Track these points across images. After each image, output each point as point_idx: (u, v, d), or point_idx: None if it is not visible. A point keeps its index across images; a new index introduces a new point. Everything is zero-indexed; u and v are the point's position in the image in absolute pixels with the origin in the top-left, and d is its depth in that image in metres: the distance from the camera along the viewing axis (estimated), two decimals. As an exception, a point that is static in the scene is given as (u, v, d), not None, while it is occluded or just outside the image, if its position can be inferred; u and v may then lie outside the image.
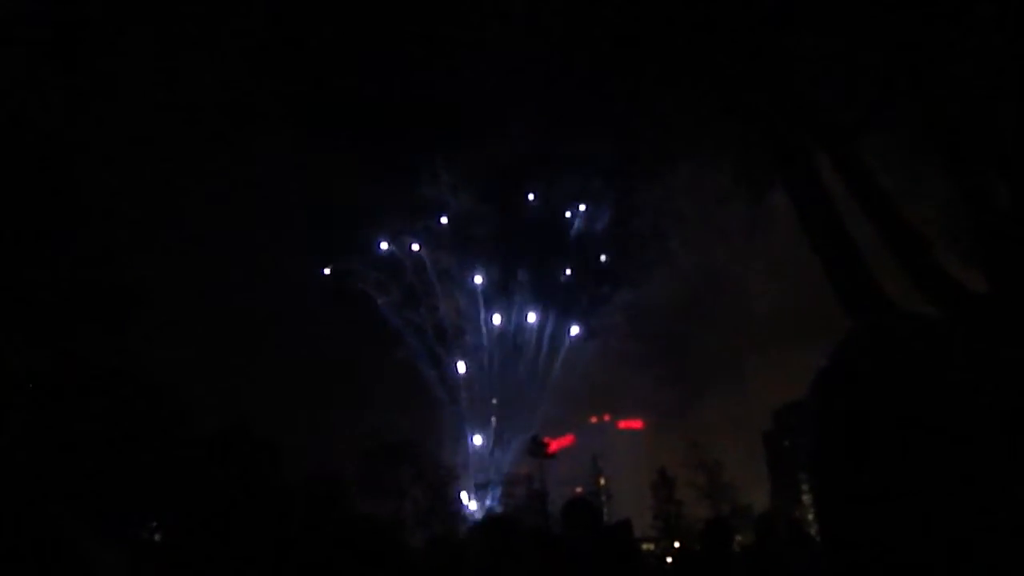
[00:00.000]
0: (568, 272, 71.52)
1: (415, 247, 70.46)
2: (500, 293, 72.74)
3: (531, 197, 69.53)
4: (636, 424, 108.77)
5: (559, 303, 72.40)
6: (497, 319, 73.97)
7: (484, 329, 74.48)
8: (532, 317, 73.63)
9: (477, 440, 70.83)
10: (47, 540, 0.97)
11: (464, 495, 64.79)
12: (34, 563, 0.95)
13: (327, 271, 67.11)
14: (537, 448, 56.05)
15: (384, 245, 69.17)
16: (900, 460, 1.01)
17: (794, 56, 11.35)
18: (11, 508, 0.98)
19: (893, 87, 11.10)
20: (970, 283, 9.88)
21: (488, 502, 62.61)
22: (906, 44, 10.09)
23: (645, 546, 52.20)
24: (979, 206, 9.69)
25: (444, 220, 68.63)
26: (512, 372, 74.92)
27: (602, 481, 73.84)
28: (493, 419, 71.99)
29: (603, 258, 71.94)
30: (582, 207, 71.14)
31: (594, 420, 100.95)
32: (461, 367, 72.90)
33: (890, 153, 12.45)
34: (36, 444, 19.20)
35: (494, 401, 72.40)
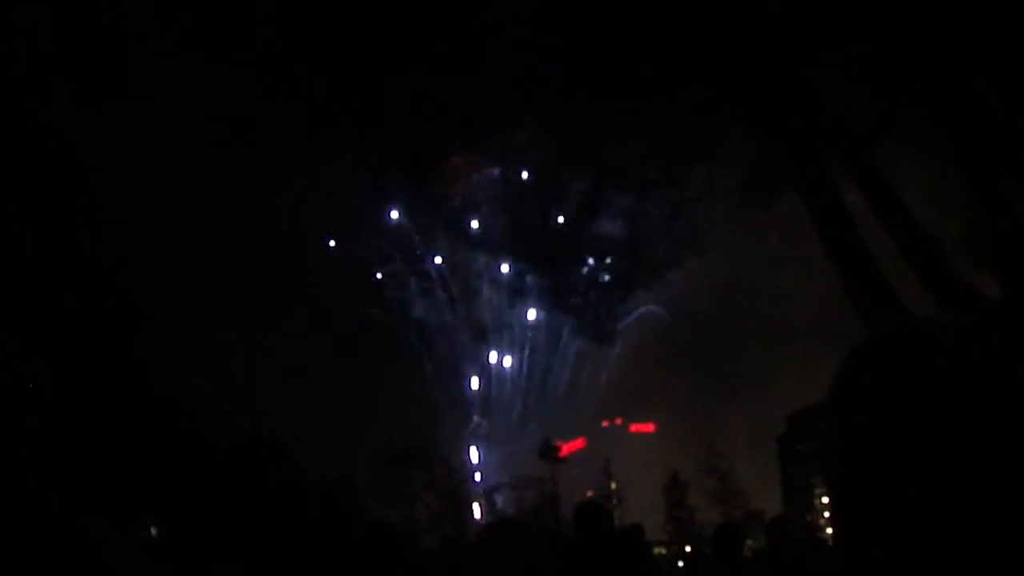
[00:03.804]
0: (582, 276, 71.50)
1: (435, 255, 70.69)
2: (513, 296, 72.74)
3: (545, 200, 69.51)
4: (648, 428, 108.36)
5: (572, 306, 72.36)
6: (508, 323, 74.01)
7: (498, 332, 74.48)
8: (547, 320, 73.62)
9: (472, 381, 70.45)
10: (70, 538, 0.99)
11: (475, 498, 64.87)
12: (58, 560, 0.97)
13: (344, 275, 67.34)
14: (549, 451, 56.06)
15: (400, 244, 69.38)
16: (917, 466, 1.01)
17: (809, 62, 11.33)
18: (34, 507, 0.99)
19: (909, 93, 11.07)
20: (984, 289, 9.84)
21: (499, 505, 62.61)
22: (922, 50, 10.06)
23: (657, 550, 51.98)
24: (995, 212, 9.65)
25: (458, 221, 68.83)
26: (524, 375, 74.90)
27: (614, 485, 73.64)
28: (477, 419, 71.87)
29: (618, 262, 71.88)
30: (597, 210, 71.07)
31: (606, 424, 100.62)
32: (472, 381, 73.02)
33: (905, 159, 12.40)
34: (52, 447, 19.31)
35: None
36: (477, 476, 68.40)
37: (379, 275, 71.17)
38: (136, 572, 1.11)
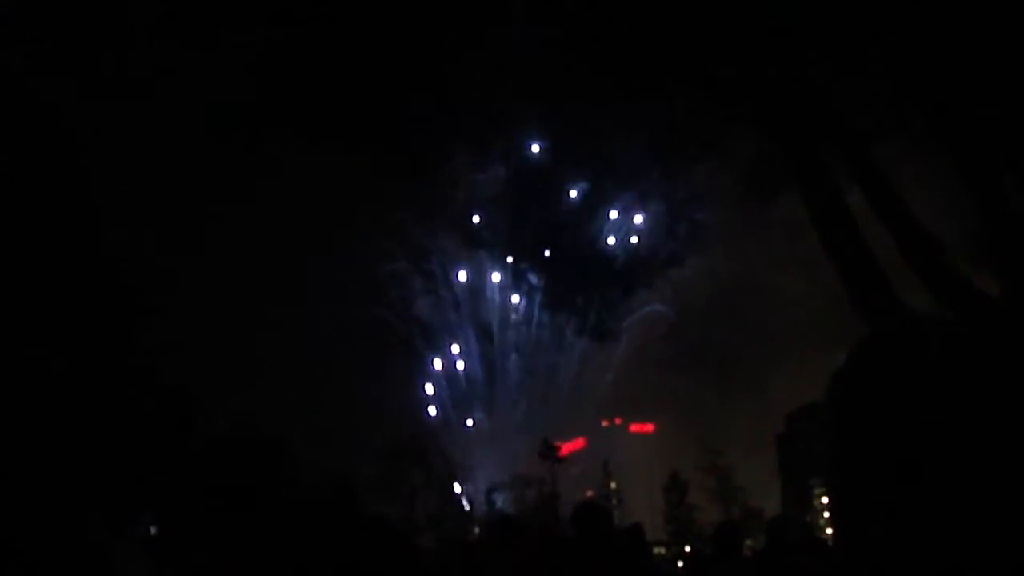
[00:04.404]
0: (584, 274, 71.64)
1: (433, 249, 70.68)
2: (514, 294, 72.81)
3: (547, 198, 69.64)
4: (648, 428, 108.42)
5: (574, 305, 72.50)
6: (509, 319, 74.01)
7: (497, 329, 74.47)
8: (548, 319, 73.66)
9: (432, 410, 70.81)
10: (69, 536, 0.98)
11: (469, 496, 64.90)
12: (58, 557, 0.96)
13: (342, 274, 67.37)
14: (548, 451, 56.08)
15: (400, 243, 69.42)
16: (917, 464, 1.01)
17: (807, 60, 11.33)
18: (34, 505, 0.99)
19: (906, 90, 11.07)
20: (984, 287, 9.84)
21: (498, 504, 62.64)
22: (918, 46, 10.06)
23: (656, 550, 52.03)
24: (993, 209, 9.65)
25: (460, 220, 68.95)
26: (521, 373, 74.94)
27: (613, 484, 73.73)
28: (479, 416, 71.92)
29: (619, 261, 72.10)
30: (598, 208, 71.23)
31: (605, 423, 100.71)
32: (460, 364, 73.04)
33: (905, 157, 12.40)
34: (52, 445, 19.32)
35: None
36: (476, 475, 68.43)
37: (382, 272, 71.22)
38: (135, 570, 1.11)
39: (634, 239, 71.44)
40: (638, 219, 70.52)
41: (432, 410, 71.47)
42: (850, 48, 11.29)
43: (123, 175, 34.19)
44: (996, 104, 9.66)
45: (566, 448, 66.08)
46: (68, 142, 23.18)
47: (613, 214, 70.20)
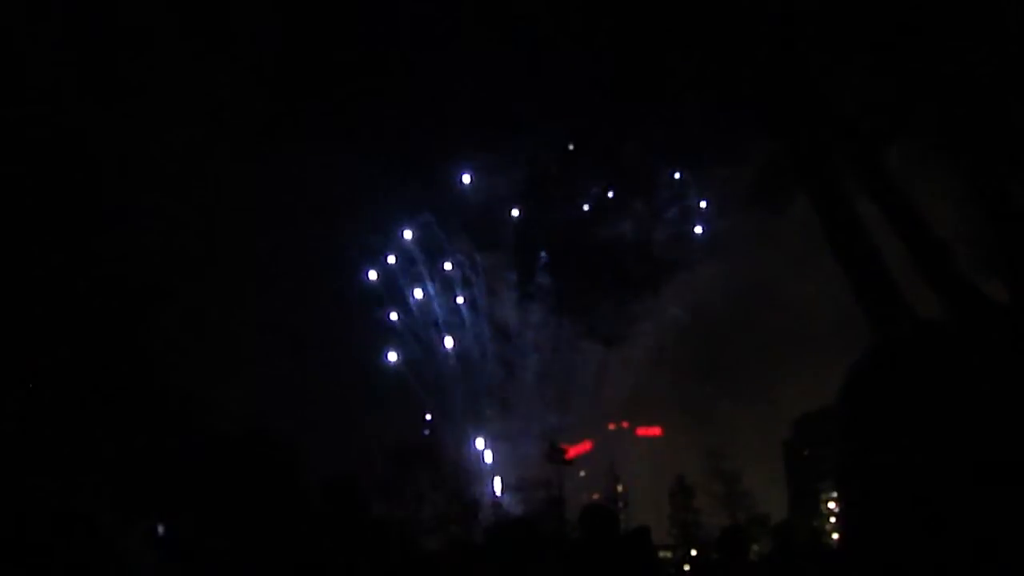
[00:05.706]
0: (592, 277, 71.56)
1: (447, 250, 70.69)
2: (518, 295, 72.77)
3: (553, 199, 69.56)
4: (655, 431, 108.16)
5: (581, 308, 72.44)
6: (512, 321, 74.00)
7: (502, 330, 74.50)
8: (556, 321, 73.61)
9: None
10: (79, 529, 0.99)
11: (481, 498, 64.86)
12: (70, 552, 0.97)
13: (346, 271, 67.36)
14: (555, 454, 56.02)
15: (406, 238, 69.35)
16: (926, 470, 1.01)
17: (815, 63, 11.32)
18: (46, 502, 1.00)
19: (912, 93, 11.06)
20: (992, 293, 9.81)
21: (505, 507, 62.58)
22: (923, 50, 10.05)
23: (662, 554, 51.98)
24: (1000, 214, 9.63)
25: (467, 220, 68.92)
26: (527, 376, 74.93)
27: (620, 488, 73.61)
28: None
29: (628, 265, 72.06)
30: (609, 212, 71.07)
31: (612, 427, 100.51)
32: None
33: (912, 161, 12.39)
34: (56, 442, 19.38)
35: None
36: (484, 477, 68.44)
37: (391, 272, 71.16)
38: (142, 563, 1.12)
39: (699, 229, 70.83)
40: (651, 223, 70.33)
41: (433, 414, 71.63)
42: (858, 52, 11.28)
43: (134, 173, 34.28)
44: (1003, 108, 9.65)
45: (573, 451, 65.96)
46: (80, 142, 23.28)
47: (625, 217, 69.56)
